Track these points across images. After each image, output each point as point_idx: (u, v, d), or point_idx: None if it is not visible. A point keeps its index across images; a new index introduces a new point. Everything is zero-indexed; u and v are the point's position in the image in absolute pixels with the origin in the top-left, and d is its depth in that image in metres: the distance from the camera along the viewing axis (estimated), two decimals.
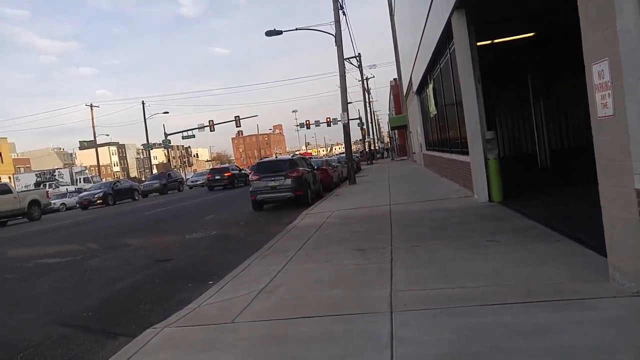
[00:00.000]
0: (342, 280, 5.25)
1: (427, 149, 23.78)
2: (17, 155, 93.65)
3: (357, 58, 49.86)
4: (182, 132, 53.38)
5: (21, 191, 27.03)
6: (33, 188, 40.10)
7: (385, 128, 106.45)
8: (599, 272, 4.20)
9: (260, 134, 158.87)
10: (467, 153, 10.83)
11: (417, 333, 3.48)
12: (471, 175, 10.50)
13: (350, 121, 21.22)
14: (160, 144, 57.08)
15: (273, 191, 14.93)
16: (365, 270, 5.55)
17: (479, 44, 10.66)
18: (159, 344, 4.04)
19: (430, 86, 16.97)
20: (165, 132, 53.91)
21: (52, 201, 32.52)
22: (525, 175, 13.60)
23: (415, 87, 23.15)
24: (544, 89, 15.32)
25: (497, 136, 10.04)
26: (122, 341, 4.55)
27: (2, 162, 79.97)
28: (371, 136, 63.18)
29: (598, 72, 3.75)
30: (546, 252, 5.32)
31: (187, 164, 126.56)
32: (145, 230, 13.95)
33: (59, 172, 70.50)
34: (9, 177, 69.41)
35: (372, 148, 63.63)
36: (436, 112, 16.68)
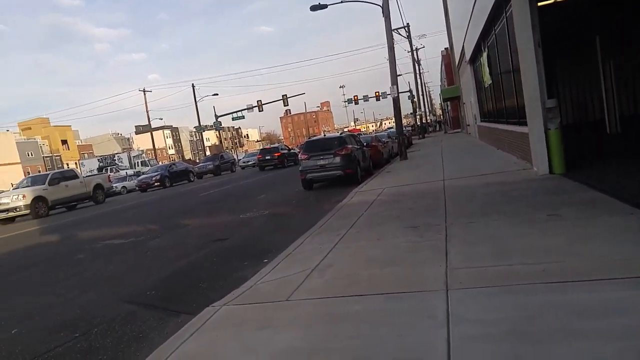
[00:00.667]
0: (395, 258, 5.17)
1: (481, 121, 23.02)
2: (81, 142, 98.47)
3: (406, 28, 48.61)
4: (231, 113, 54.23)
5: (86, 176, 28.43)
6: (96, 173, 41.95)
7: (437, 100, 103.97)
8: None
9: (308, 112, 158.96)
10: (525, 123, 10.36)
11: (474, 312, 3.37)
12: (530, 146, 10.06)
13: (400, 94, 20.80)
14: (211, 126, 58.20)
15: (322, 170, 14.90)
16: (419, 248, 5.45)
17: (539, 4, 10.01)
18: (218, 322, 4.13)
19: (485, 54, 16.30)
20: (215, 114, 55.02)
21: (114, 185, 34.00)
22: (592, 144, 12.84)
23: (468, 56, 22.32)
24: (614, 50, 14.29)
25: (560, 104, 9.47)
26: (183, 318, 4.70)
27: (69, 149, 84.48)
28: (422, 109, 61.82)
29: None
30: (616, 226, 4.98)
31: (238, 144, 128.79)
32: (201, 211, 14.34)
33: (118, 156, 73.60)
34: (75, 163, 73.27)
35: (424, 121, 62.34)
36: (491, 82, 16.04)
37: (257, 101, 51.31)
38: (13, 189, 25.10)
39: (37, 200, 21.91)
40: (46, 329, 5.17)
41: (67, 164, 72.57)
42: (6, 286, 7.88)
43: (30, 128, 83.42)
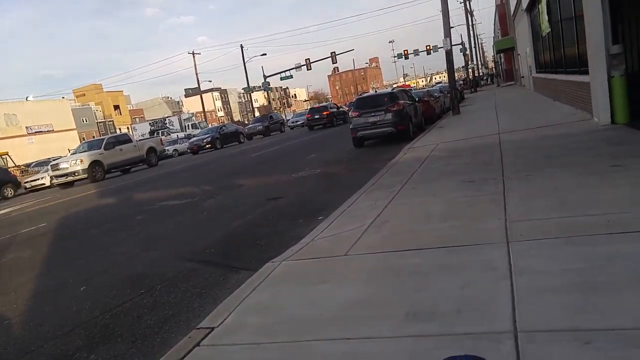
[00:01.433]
0: (453, 213, 5.14)
1: (537, 72, 21.99)
2: (133, 107, 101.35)
3: None
4: (279, 73, 54.17)
5: (139, 140, 29.36)
6: (148, 136, 43.27)
7: (489, 53, 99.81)
8: None
9: (357, 69, 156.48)
10: (586, 72, 9.84)
11: (537, 263, 3.33)
12: (590, 96, 9.56)
13: (452, 47, 20.10)
14: (260, 87, 58.56)
15: (374, 127, 14.74)
16: (476, 202, 5.38)
17: None
18: (279, 276, 4.27)
19: (544, 1, 15.39)
20: (264, 75, 55.12)
21: (166, 148, 35.01)
22: None
23: (525, 4, 21.14)
24: None
25: (626, 50, 8.89)
26: (244, 275, 4.84)
27: (121, 114, 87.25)
28: (475, 62, 59.55)
29: None
30: None
31: (286, 104, 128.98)
32: (254, 171, 14.61)
33: (169, 120, 75.50)
34: (127, 127, 75.75)
35: (476, 74, 60.13)
36: (550, 30, 15.20)
37: (306, 60, 50.97)
38: (71, 154, 26.24)
39: (94, 164, 22.79)
40: (112, 286, 5.44)
41: (120, 129, 74.99)
42: (71, 246, 8.32)
43: (84, 94, 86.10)
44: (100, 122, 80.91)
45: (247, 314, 3.60)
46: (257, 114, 71.77)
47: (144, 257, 6.61)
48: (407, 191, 6.73)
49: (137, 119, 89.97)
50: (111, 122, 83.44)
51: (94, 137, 59.81)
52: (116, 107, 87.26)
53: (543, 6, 15.66)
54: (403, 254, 4.13)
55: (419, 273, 3.62)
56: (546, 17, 15.38)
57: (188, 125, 68.68)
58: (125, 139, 25.97)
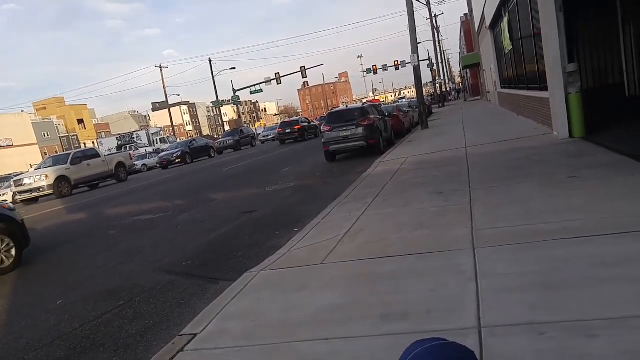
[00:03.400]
0: (423, 222, 5.42)
1: (502, 87, 22.82)
2: (98, 121, 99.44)
3: None
4: (249, 87, 54.26)
5: (108, 154, 28.98)
6: (115, 151, 42.67)
7: (456, 68, 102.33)
8: None
9: (326, 84, 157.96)
10: (545, 89, 10.38)
11: (500, 266, 3.62)
12: (550, 111, 10.09)
13: (420, 62, 20.71)
14: (229, 101, 58.43)
15: (345, 141, 15.07)
16: (445, 212, 5.68)
17: None
18: (258, 285, 4.45)
19: (505, 19, 16.10)
20: (233, 88, 55.09)
21: (135, 162, 34.62)
22: (611, 108, 12.81)
23: (488, 21, 22.00)
24: (635, 11, 14.04)
25: (580, 68, 9.48)
26: (222, 285, 4.97)
27: (85, 128, 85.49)
28: (442, 77, 61.03)
29: None
30: (634, 186, 5.17)
31: (256, 118, 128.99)
32: (226, 185, 14.70)
33: (136, 134, 74.49)
34: (93, 142, 74.31)
35: (444, 89, 61.60)
36: (512, 47, 15.89)
37: (276, 74, 51.26)
38: (35, 169, 25.67)
39: (60, 179, 22.22)
40: (90, 299, 5.49)
41: (85, 144, 73.45)
42: (42, 262, 8.22)
43: (45, 108, 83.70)
44: (63, 137, 78.91)
45: (228, 320, 3.76)
46: (227, 128, 71.62)
47: (120, 270, 6.64)
48: (380, 202, 7.00)
49: (103, 134, 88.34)
50: (75, 137, 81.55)
51: (56, 152, 58.44)
52: (80, 121, 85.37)
53: (505, 24, 16.37)
54: (377, 261, 4.36)
55: (392, 278, 3.86)
56: (508, 35, 16.08)
57: (156, 139, 67.97)
58: (92, 154, 25.56)
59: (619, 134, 8.56)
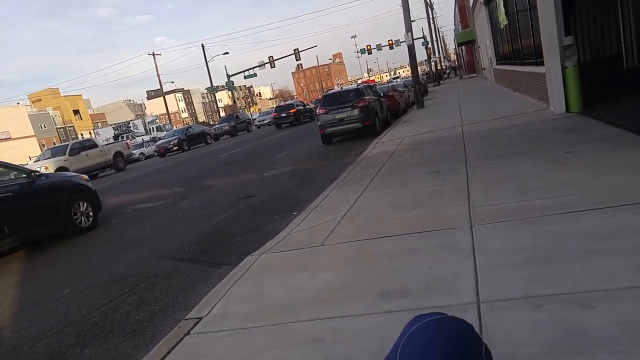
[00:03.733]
0: (420, 202, 5.47)
1: (497, 64, 22.71)
2: (93, 111, 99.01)
3: None
4: (243, 71, 53.92)
5: (105, 144, 28.95)
6: (113, 141, 42.58)
7: (451, 45, 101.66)
8: None
9: (320, 65, 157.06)
10: (542, 64, 10.35)
11: (497, 243, 3.67)
12: (547, 86, 10.08)
13: (414, 41, 20.57)
14: (223, 86, 58.08)
15: (341, 123, 15.06)
16: (442, 191, 5.72)
17: None
18: (260, 268, 4.51)
19: None
20: (227, 74, 54.73)
21: (132, 152, 34.56)
22: (609, 80, 12.77)
23: None
24: None
25: (577, 41, 9.43)
26: (225, 269, 5.04)
27: (82, 119, 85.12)
28: (437, 55, 60.70)
29: None
30: (631, 159, 5.20)
31: (251, 103, 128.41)
32: (224, 171, 14.71)
33: (133, 123, 74.29)
34: (90, 133, 74.04)
35: (439, 68, 61.34)
36: (507, 22, 15.79)
37: (269, 57, 50.87)
38: (34, 162, 25.67)
39: (60, 171, 22.40)
40: (96, 287, 5.56)
41: (82, 134, 73.20)
42: (49, 252, 8.28)
43: (40, 99, 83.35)
44: (60, 128, 78.62)
45: (232, 303, 3.82)
46: (222, 114, 71.33)
47: (124, 258, 6.71)
48: (377, 184, 7.05)
49: (100, 124, 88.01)
50: (72, 128, 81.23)
51: (54, 143, 58.34)
52: (76, 112, 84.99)
53: None
54: (375, 241, 4.42)
55: (391, 257, 3.92)
56: (503, 10, 15.96)
57: (153, 128, 67.79)
58: (90, 144, 25.59)
59: (616, 107, 8.55)
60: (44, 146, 56.06)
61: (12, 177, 8.49)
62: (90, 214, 9.43)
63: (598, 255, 3.08)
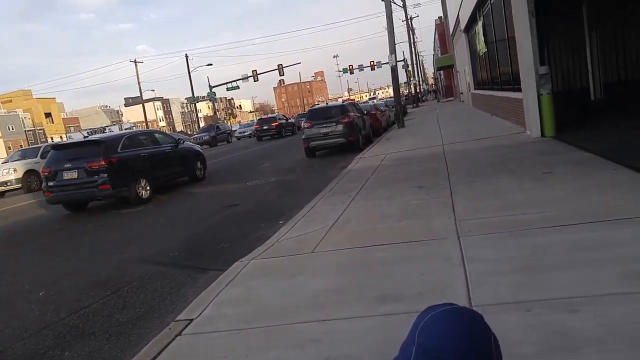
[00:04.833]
0: (407, 213, 5.63)
1: (475, 88, 23.34)
2: (66, 115, 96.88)
3: None
4: (226, 83, 53.84)
5: None
6: None
7: (429, 69, 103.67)
8: None
9: (302, 82, 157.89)
10: (519, 90, 10.76)
11: (485, 253, 3.84)
12: (523, 111, 10.46)
13: (397, 63, 21.04)
14: (204, 97, 57.88)
15: (325, 137, 15.29)
16: (428, 204, 5.90)
17: None
18: (250, 273, 4.56)
19: (480, 23, 16.53)
20: (209, 85, 54.58)
21: None
22: (578, 109, 13.37)
23: (463, 25, 22.50)
24: (599, 19, 14.69)
25: (551, 71, 9.92)
26: (212, 274, 5.02)
27: (53, 122, 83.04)
28: (416, 78, 61.88)
29: None
30: (604, 180, 5.53)
31: (231, 115, 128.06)
32: (206, 181, 14.58)
33: (108, 129, 72.96)
34: (61, 137, 72.32)
35: (418, 90, 62.48)
36: (486, 50, 16.32)
37: (253, 71, 50.94)
38: (2, 163, 24.86)
39: (30, 173, 21.28)
40: (75, 290, 5.41)
41: (52, 138, 71.34)
42: (22, 255, 8.10)
43: (11, 101, 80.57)
44: (29, 131, 76.52)
45: (224, 306, 3.87)
46: (202, 124, 70.85)
47: (105, 262, 6.59)
48: (363, 196, 7.19)
49: (72, 128, 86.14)
50: (42, 131, 79.16)
51: (21, 146, 56.65)
52: (47, 115, 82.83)
53: (479, 28, 16.81)
54: (366, 249, 4.54)
55: (383, 264, 4.05)
56: (482, 38, 16.52)
57: None
58: None
59: (586, 134, 8.99)
60: (9, 148, 54.44)
61: (169, 141, 13.41)
62: (203, 170, 14.39)
63: (581, 265, 3.27)
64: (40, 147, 24.04)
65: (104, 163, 10.47)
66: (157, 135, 13.62)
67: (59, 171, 10.86)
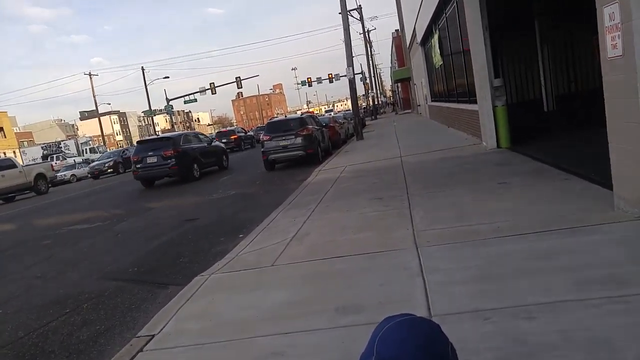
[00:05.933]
0: (366, 225, 5.68)
1: (432, 101, 23.90)
2: (19, 129, 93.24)
3: (358, 10, 49.20)
4: (183, 96, 53.11)
5: (26, 165, 27.11)
6: (41, 161, 40.31)
7: (387, 82, 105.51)
8: (605, 203, 4.61)
9: (261, 95, 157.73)
10: (474, 102, 11.08)
11: (443, 263, 3.91)
12: (479, 123, 10.78)
13: (355, 75, 21.33)
14: (161, 110, 56.92)
15: (285, 150, 15.29)
16: (386, 216, 5.97)
17: None
18: (211, 287, 4.50)
19: (436, 36, 17.00)
20: (167, 98, 53.74)
21: (62, 173, 32.91)
22: (532, 121, 13.89)
23: (419, 37, 23.06)
24: (550, 34, 15.36)
25: (505, 83, 10.28)
26: (172, 289, 4.97)
27: (5, 137, 79.71)
28: (374, 91, 62.88)
29: (609, 15, 4.02)
30: (555, 190, 5.72)
31: (189, 128, 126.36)
32: (164, 194, 14.36)
33: (64, 143, 70.52)
34: (14, 152, 69.45)
35: (376, 102, 63.46)
36: (442, 62, 16.77)
37: (210, 84, 50.34)
38: None
39: None
40: (32, 309, 5.27)
41: (4, 153, 68.50)
42: None
43: None
44: None
45: (185, 321, 3.80)
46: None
47: (62, 279, 6.42)
48: (323, 208, 7.22)
49: (26, 143, 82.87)
50: None
51: None
52: None
53: (435, 41, 17.29)
54: (326, 261, 4.55)
55: (343, 276, 4.07)
56: (438, 51, 17.00)
57: (86, 149, 64.72)
58: (8, 164, 23.50)
59: (540, 145, 9.32)
60: None
61: (206, 140, 19.09)
62: (227, 162, 19.63)
63: (536, 273, 3.38)
64: None
65: (173, 152, 15.97)
66: (200, 135, 20.02)
67: (143, 158, 16.33)
